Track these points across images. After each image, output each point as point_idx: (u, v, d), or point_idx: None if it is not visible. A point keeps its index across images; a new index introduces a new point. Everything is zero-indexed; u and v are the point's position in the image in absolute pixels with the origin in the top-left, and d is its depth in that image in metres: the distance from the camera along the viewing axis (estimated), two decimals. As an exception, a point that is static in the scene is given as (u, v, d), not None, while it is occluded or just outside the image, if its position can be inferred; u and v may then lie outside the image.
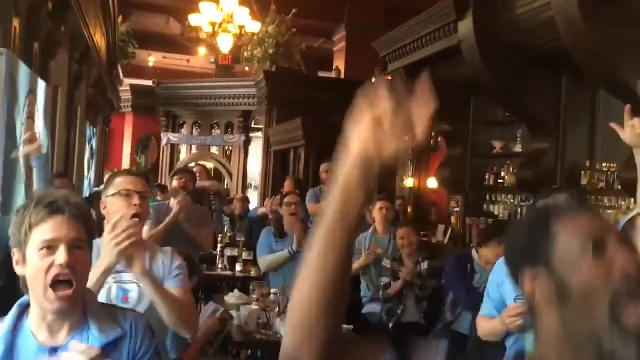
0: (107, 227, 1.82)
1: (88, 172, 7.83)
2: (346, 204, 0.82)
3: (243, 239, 5.45)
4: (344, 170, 0.82)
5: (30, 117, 3.29)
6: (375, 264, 4.22)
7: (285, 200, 4.19)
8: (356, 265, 4.34)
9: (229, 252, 4.65)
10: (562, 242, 0.94)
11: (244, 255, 4.80)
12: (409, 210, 7.57)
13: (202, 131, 10.69)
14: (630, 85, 3.84)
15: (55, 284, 1.29)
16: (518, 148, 5.85)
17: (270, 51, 8.67)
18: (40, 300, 1.32)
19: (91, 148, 8.39)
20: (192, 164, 11.03)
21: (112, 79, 8.44)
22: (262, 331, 2.94)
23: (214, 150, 10.76)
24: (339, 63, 11.76)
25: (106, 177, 2.94)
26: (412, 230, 4.05)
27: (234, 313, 3.10)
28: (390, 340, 3.85)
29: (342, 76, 10.62)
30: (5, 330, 1.33)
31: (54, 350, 1.31)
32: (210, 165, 10.83)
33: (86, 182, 7.67)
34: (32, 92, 3.33)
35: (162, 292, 1.95)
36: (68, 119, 5.08)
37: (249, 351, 3.30)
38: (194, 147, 10.96)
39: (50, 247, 1.31)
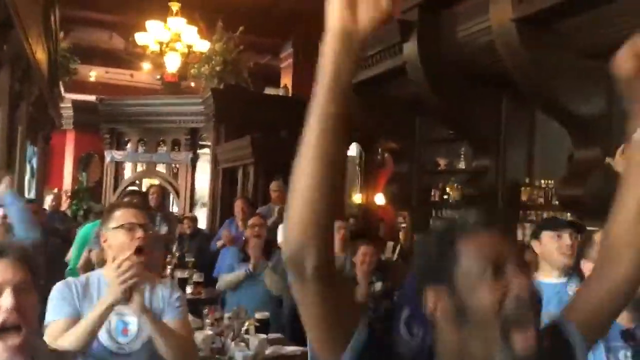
0: (113, 265, 1.84)
1: (28, 193, 7.57)
2: (337, 76, 0.88)
3: (193, 259, 5.38)
4: (327, 47, 0.89)
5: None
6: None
7: (250, 222, 4.23)
8: None
9: (179, 274, 4.58)
10: (464, 262, 0.99)
11: (195, 277, 4.75)
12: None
13: (148, 148, 10.51)
14: (565, 107, 4.05)
15: (2, 330, 1.23)
16: (462, 165, 6.05)
17: (218, 68, 8.64)
18: None
19: (31, 167, 8.12)
20: (138, 182, 10.84)
21: (53, 96, 8.20)
22: (217, 356, 2.92)
23: (160, 167, 10.59)
24: (286, 80, 11.83)
25: (105, 209, 2.89)
26: (374, 249, 4.12)
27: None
28: None
29: (290, 93, 10.69)
30: None
31: None
32: (156, 182, 10.65)
33: (26, 203, 7.39)
34: (-27, 114, 3.21)
35: (160, 327, 1.95)
36: (9, 138, 4.91)
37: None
38: (139, 165, 10.75)
39: None
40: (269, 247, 4.16)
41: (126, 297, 1.84)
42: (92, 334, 1.81)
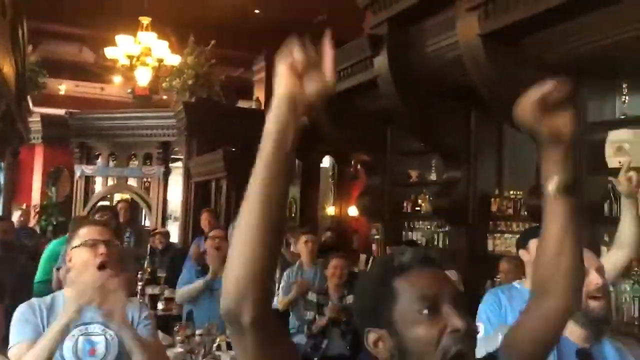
0: (72, 283, 1.81)
1: (-5, 209, 7.41)
2: (281, 138, 0.94)
3: (164, 274, 5.32)
4: (273, 110, 0.95)
5: None
6: (302, 297, 4.26)
7: (211, 234, 4.19)
8: (286, 299, 4.37)
9: (149, 290, 4.53)
10: (401, 302, 1.04)
11: (166, 293, 4.69)
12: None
13: (119, 162, 10.38)
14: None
15: None
16: (433, 177, 6.12)
17: (190, 82, 8.61)
18: None
19: (-2, 183, 7.96)
20: (109, 196, 10.70)
21: (21, 111, 8.06)
22: (188, 374, 2.89)
23: (132, 181, 10.47)
24: (259, 93, 11.85)
25: (70, 227, 2.85)
26: (345, 262, 4.13)
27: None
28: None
29: (262, 106, 10.69)
30: None
31: None
32: (127, 196, 10.52)
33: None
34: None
35: (140, 341, 1.93)
36: (-26, 155, 4.80)
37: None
38: (110, 179, 10.61)
39: None
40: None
41: (105, 312, 1.82)
42: (50, 353, 1.78)
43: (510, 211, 4.96)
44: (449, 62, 4.51)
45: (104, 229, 2.15)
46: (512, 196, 4.97)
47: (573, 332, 1.74)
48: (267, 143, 0.94)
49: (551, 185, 1.13)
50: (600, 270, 1.77)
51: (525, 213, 4.68)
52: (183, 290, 4.03)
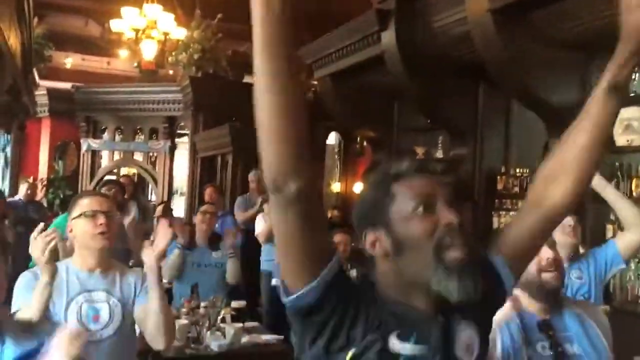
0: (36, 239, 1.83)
1: (2, 182, 7.44)
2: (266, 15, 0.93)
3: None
4: None
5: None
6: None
7: (201, 209, 4.17)
8: None
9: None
10: (397, 202, 1.11)
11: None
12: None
13: (125, 137, 10.38)
14: (539, 97, 4.10)
15: None
16: (439, 153, 6.09)
17: (196, 56, 8.54)
18: None
19: (5, 156, 7.98)
20: (115, 171, 10.73)
21: (27, 84, 8.04)
22: (192, 345, 2.92)
23: (138, 156, 10.48)
24: (265, 68, 11.76)
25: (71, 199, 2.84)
26: (349, 237, 4.15)
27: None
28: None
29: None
30: None
31: None
32: (133, 171, 10.55)
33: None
34: (-58, 102, 3.15)
35: (162, 291, 1.97)
36: (-20, 127, 4.81)
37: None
38: (116, 153, 10.63)
39: None
40: (216, 238, 4.09)
41: (138, 253, 1.89)
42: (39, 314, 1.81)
43: (517, 189, 4.95)
44: (457, 37, 4.46)
45: (104, 199, 2.17)
46: (519, 174, 4.95)
47: (532, 306, 1.80)
48: (255, 12, 0.94)
49: (603, 80, 1.16)
50: (552, 244, 1.82)
51: (532, 191, 4.66)
52: (165, 267, 3.84)
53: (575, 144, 1.19)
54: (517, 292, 1.80)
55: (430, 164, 1.16)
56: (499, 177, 5.13)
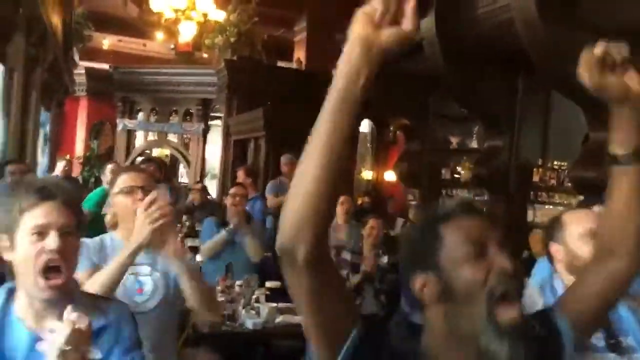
0: (142, 204, 1.85)
1: (42, 158, 7.62)
2: (353, 80, 0.92)
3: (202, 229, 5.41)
4: (347, 52, 0.93)
5: (-12, 101, 3.20)
6: (335, 257, 4.29)
7: (231, 191, 4.21)
8: None
9: (189, 243, 4.62)
10: (448, 245, 1.05)
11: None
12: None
13: (160, 118, 10.52)
14: (582, 87, 4.00)
15: (46, 270, 1.29)
16: (474, 144, 6.03)
17: (232, 39, 8.58)
18: (29, 287, 1.31)
19: (45, 133, 8.16)
20: (148, 151, 10.89)
21: (67, 62, 8.21)
22: (228, 322, 2.96)
23: (172, 137, 10.62)
24: (300, 53, 11.75)
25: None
26: (382, 222, 4.14)
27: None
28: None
29: (303, 67, 10.62)
30: None
31: (41, 338, 1.31)
32: (166, 152, 10.69)
33: (39, 169, 7.46)
34: (-10, 75, 3.23)
35: (192, 272, 1.97)
36: (23, 103, 4.92)
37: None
38: (150, 134, 10.78)
39: (40, 232, 1.30)
40: (248, 218, 4.15)
41: (159, 243, 1.85)
42: (117, 281, 1.82)
43: (554, 182, 4.87)
44: (499, 25, 4.37)
45: (140, 175, 2.19)
46: (556, 167, 4.87)
47: None
48: (338, 83, 0.92)
49: (622, 149, 1.12)
50: None
51: (569, 184, 4.58)
52: (208, 244, 4.04)
53: (625, 231, 1.12)
54: (567, 279, 1.78)
55: (476, 204, 1.11)
56: (535, 169, 5.04)
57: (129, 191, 2.09)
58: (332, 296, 1.00)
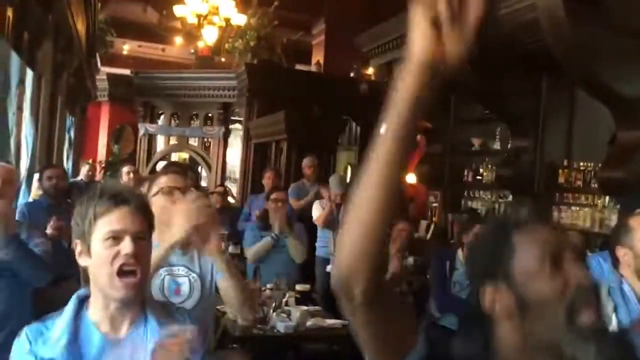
0: (186, 200, 1.89)
1: (67, 163, 7.73)
2: (412, 106, 0.86)
3: (227, 232, 5.45)
4: (407, 75, 0.86)
5: (20, 107, 3.27)
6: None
7: (272, 196, 4.28)
8: None
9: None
10: (521, 257, 1.00)
11: (231, 249, 4.83)
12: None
13: (181, 122, 10.61)
14: (609, 86, 3.97)
15: (121, 273, 1.32)
16: (496, 146, 5.99)
17: (252, 43, 8.64)
18: (105, 289, 1.34)
19: (69, 138, 8.28)
20: (173, 155, 10.98)
21: (90, 68, 8.32)
22: (259, 326, 2.98)
23: (192, 141, 10.70)
24: (318, 57, 11.78)
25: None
26: (410, 226, 4.15)
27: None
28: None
29: (322, 70, 10.65)
30: (67, 321, 1.34)
31: (116, 342, 1.34)
32: (185, 156, 10.78)
33: (64, 173, 7.55)
34: (22, 82, 3.30)
35: (233, 269, 2.01)
36: (51, 108, 5.01)
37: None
38: (172, 138, 10.88)
39: (115, 237, 1.33)
40: (290, 221, 4.23)
41: (200, 241, 1.88)
42: (153, 274, 1.85)
43: (579, 183, 4.81)
44: (523, 25, 4.34)
45: (179, 177, 2.23)
46: (582, 167, 4.81)
47: None
48: (397, 108, 0.87)
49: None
50: None
51: (596, 185, 4.53)
52: (253, 249, 4.16)
53: None
54: (637, 284, 1.76)
55: (548, 216, 1.08)
56: (560, 170, 4.99)
57: (168, 192, 2.12)
58: (395, 325, 0.98)
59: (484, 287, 1.03)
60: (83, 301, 1.39)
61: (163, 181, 2.17)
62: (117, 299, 1.34)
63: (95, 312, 1.37)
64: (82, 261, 1.37)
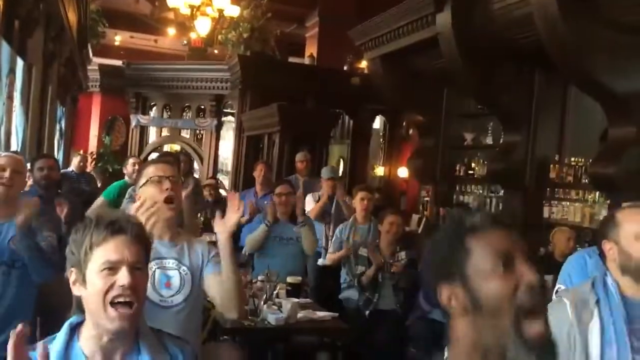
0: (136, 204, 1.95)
1: (57, 153, 7.67)
2: None
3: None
4: None
5: (10, 96, 3.24)
6: (353, 252, 4.31)
7: (277, 190, 4.29)
8: (336, 256, 4.44)
9: (207, 237, 4.64)
10: (475, 257, 1.04)
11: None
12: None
13: (173, 114, 10.57)
14: (601, 83, 3.98)
15: (116, 304, 1.29)
16: (489, 140, 6.00)
17: (245, 35, 8.60)
18: (99, 319, 1.30)
19: (60, 128, 8.21)
20: (161, 147, 10.93)
21: (82, 58, 8.26)
22: (250, 317, 2.98)
23: (185, 133, 10.66)
24: (311, 49, 11.75)
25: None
26: (401, 218, 4.14)
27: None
28: (366, 326, 3.94)
29: (315, 62, 10.62)
30: (58, 351, 1.30)
31: None
32: (177, 147, 10.74)
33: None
34: (12, 71, 3.26)
35: (234, 261, 2.04)
36: (41, 98, 4.96)
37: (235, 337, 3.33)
38: (164, 130, 10.82)
39: (112, 267, 1.29)
40: (294, 216, 4.22)
41: (217, 223, 1.98)
42: None
43: (571, 178, 4.83)
44: (516, 20, 4.35)
45: (168, 166, 2.22)
46: (574, 163, 4.84)
47: (634, 291, 1.76)
48: None
49: None
50: None
51: (587, 181, 4.55)
52: (249, 239, 4.17)
53: None
54: (622, 279, 1.77)
55: (502, 218, 1.11)
56: (552, 166, 5.01)
57: (157, 180, 2.11)
58: None
59: (440, 286, 1.07)
60: (74, 330, 1.35)
61: (151, 171, 2.16)
62: (110, 330, 1.30)
63: (87, 343, 1.33)
64: (76, 290, 1.34)
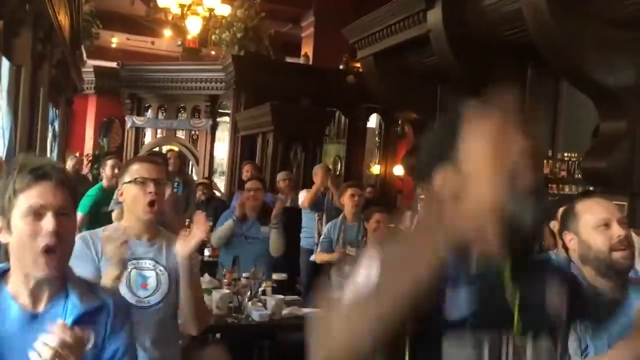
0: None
1: (50, 155, 7.63)
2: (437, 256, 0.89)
3: (210, 223, 5.41)
4: (445, 242, 0.90)
5: (-6, 97, 3.21)
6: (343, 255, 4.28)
7: (247, 185, 4.23)
8: (326, 258, 4.42)
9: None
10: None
11: (207, 252, 4.81)
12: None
13: (168, 115, 10.55)
14: (592, 78, 3.96)
15: (41, 250, 1.27)
16: (483, 136, 5.98)
17: (239, 35, 8.58)
18: (26, 267, 1.29)
19: (53, 130, 8.18)
20: (157, 148, 10.91)
21: (75, 60, 8.23)
22: (234, 315, 2.96)
23: (180, 134, 10.64)
24: (307, 49, 11.73)
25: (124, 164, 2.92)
26: (387, 216, 4.11)
27: (205, 297, 3.11)
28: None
29: (310, 62, 10.60)
30: None
31: (34, 316, 1.30)
32: (175, 148, 10.72)
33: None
34: (-3, 71, 3.24)
35: (195, 280, 2.03)
36: (31, 100, 4.93)
37: (219, 334, 3.31)
38: (159, 131, 10.81)
39: (36, 213, 1.27)
40: (266, 212, 4.16)
41: (181, 240, 1.96)
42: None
43: (564, 174, 4.82)
44: (507, 16, 4.34)
45: (154, 167, 2.17)
46: (567, 158, 4.81)
47: (598, 283, 1.75)
48: (422, 263, 0.89)
49: None
50: (621, 221, 1.75)
51: (580, 176, 4.53)
52: (216, 234, 4.13)
53: None
54: (583, 268, 1.75)
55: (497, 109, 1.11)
56: (545, 161, 4.99)
57: (142, 182, 2.08)
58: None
59: (435, 170, 1.10)
60: (2, 275, 1.35)
61: (135, 169, 2.12)
62: (36, 276, 1.30)
63: (14, 286, 1.33)
64: (1, 237, 1.32)
